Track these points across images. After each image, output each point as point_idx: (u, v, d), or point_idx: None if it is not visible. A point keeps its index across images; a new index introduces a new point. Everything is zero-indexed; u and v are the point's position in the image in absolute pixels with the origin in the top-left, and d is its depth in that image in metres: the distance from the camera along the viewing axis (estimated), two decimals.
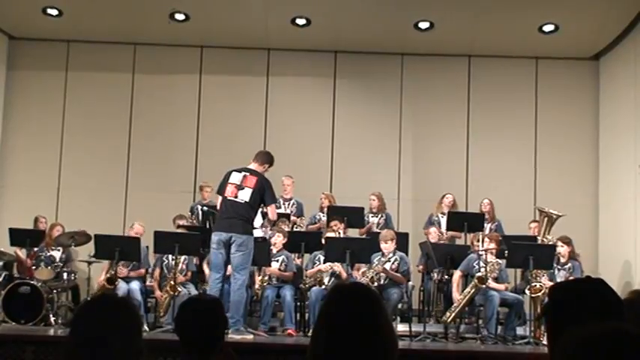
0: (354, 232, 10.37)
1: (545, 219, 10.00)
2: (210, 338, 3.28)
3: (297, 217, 10.69)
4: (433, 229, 10.29)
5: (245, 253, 7.68)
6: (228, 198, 7.74)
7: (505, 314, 9.08)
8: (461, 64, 12.42)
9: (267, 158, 8.09)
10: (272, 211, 7.97)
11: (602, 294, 2.07)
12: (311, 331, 7.51)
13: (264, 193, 7.78)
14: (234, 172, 7.88)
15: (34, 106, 12.27)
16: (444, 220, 10.60)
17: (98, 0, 11.23)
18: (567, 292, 2.13)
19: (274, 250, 9.12)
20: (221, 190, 7.88)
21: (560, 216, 9.95)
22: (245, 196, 7.72)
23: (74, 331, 2.43)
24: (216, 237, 7.73)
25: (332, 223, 9.65)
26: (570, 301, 2.06)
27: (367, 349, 2.05)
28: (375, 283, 8.88)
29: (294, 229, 10.32)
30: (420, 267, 10.12)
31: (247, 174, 7.83)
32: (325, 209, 10.50)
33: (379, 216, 10.72)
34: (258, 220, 8.70)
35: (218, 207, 8.01)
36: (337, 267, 9.07)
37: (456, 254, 9.36)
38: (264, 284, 8.92)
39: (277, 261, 9.13)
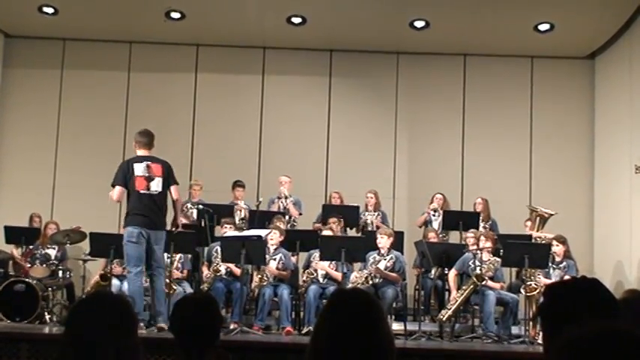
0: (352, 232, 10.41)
1: (538, 218, 10.04)
2: (205, 336, 3.28)
3: (299, 214, 10.75)
4: (432, 233, 10.31)
5: (162, 247, 7.77)
6: (141, 191, 7.58)
7: (500, 313, 9.09)
8: (456, 63, 12.43)
9: (151, 139, 7.84)
10: (176, 191, 7.82)
11: (597, 293, 2.07)
12: (306, 328, 7.51)
13: (169, 177, 7.74)
14: (135, 164, 7.65)
15: (29, 104, 12.24)
16: (435, 221, 10.64)
17: None
18: (562, 292, 2.13)
19: (271, 248, 9.12)
20: (125, 183, 7.60)
21: (551, 214, 9.99)
22: (157, 186, 7.64)
23: (69, 329, 2.43)
24: (137, 230, 7.53)
25: (330, 221, 9.65)
26: (565, 300, 2.07)
27: (366, 352, 2.10)
28: (370, 282, 8.88)
29: (293, 227, 10.37)
30: (416, 270, 10.02)
31: (150, 162, 7.66)
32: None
33: (375, 214, 10.75)
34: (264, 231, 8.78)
35: (115, 198, 7.67)
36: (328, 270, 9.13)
37: (452, 253, 9.38)
38: (263, 283, 8.90)
39: (275, 259, 9.12)
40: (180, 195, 7.94)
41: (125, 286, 9.10)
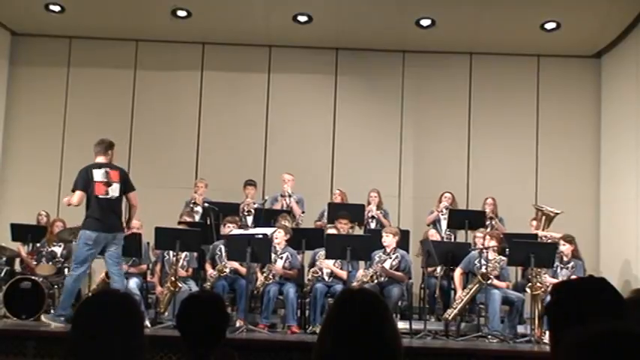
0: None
1: (543, 217, 10.02)
2: (211, 334, 3.28)
3: (301, 212, 10.77)
4: (433, 231, 10.33)
5: (120, 246, 8.06)
6: (100, 196, 7.87)
7: (506, 312, 9.07)
8: (462, 62, 12.42)
9: (107, 146, 8.15)
10: (134, 198, 8.11)
11: (605, 293, 2.07)
12: (311, 327, 7.51)
13: (126, 184, 8.03)
14: (94, 170, 7.95)
15: (36, 101, 12.27)
16: (444, 220, 10.62)
17: None
18: (570, 291, 2.12)
19: (278, 248, 9.12)
20: (85, 188, 7.87)
21: (557, 213, 9.97)
22: (115, 191, 7.93)
23: (76, 327, 2.43)
24: (94, 235, 7.81)
25: (342, 221, 9.62)
26: (573, 300, 2.06)
27: (373, 352, 2.11)
28: (376, 281, 8.88)
29: (298, 225, 10.38)
30: (428, 269, 10.00)
31: (108, 169, 7.98)
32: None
33: (378, 212, 10.77)
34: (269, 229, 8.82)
35: (75, 202, 7.90)
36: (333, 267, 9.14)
37: (457, 252, 9.36)
38: (268, 282, 8.91)
39: (282, 258, 9.12)
40: (137, 201, 8.17)
41: (131, 284, 9.14)
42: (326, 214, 10.60)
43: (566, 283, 2.40)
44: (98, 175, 7.91)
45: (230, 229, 9.44)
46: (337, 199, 10.79)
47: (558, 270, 9.10)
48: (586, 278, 2.26)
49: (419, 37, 11.90)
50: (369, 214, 10.72)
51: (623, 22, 11.22)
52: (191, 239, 8.89)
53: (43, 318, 7.92)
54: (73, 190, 7.94)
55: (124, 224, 8.19)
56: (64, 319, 7.73)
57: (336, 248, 8.75)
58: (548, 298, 2.24)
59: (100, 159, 8.04)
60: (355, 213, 10.25)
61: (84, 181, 7.90)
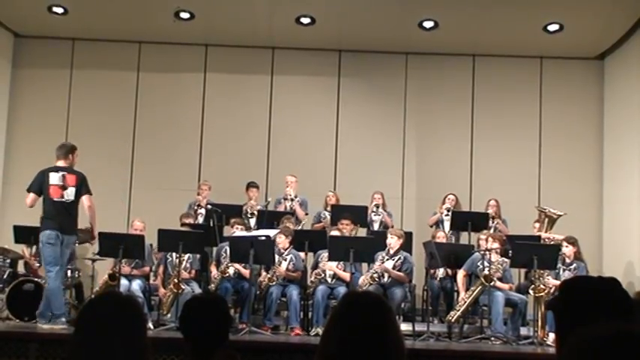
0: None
1: (546, 219, 10.01)
2: (214, 336, 3.27)
3: (305, 214, 10.77)
4: (440, 233, 10.32)
5: (70, 250, 8.25)
6: (55, 199, 8.00)
7: (509, 314, 9.06)
8: (465, 64, 12.41)
9: (68, 150, 8.29)
10: (88, 200, 8.13)
11: (614, 293, 2.05)
12: (314, 329, 7.50)
13: (82, 187, 8.11)
14: (51, 173, 8.07)
15: (39, 103, 12.28)
16: (447, 222, 10.61)
17: None
18: (579, 290, 2.11)
19: (282, 250, 9.11)
20: (40, 191, 8.03)
21: (560, 215, 9.96)
22: (70, 195, 8.05)
23: (78, 329, 2.43)
24: (54, 233, 7.92)
25: (345, 222, 9.62)
26: (581, 299, 2.05)
27: (377, 354, 2.12)
28: (377, 280, 8.87)
29: (300, 227, 10.39)
30: (432, 271, 9.98)
31: (65, 173, 8.10)
32: (330, 207, 10.54)
33: (383, 213, 10.76)
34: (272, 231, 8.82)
35: (27, 203, 8.07)
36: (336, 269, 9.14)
37: (460, 253, 9.35)
38: (271, 283, 8.91)
39: (286, 260, 9.12)
40: (92, 203, 8.19)
41: (134, 286, 9.14)
42: (323, 216, 10.63)
43: (575, 282, 2.37)
44: (54, 178, 8.04)
45: (237, 230, 9.45)
46: (332, 201, 10.77)
47: (561, 272, 9.09)
48: (596, 278, 2.23)
49: (422, 39, 11.89)
50: (372, 209, 10.68)
51: (626, 23, 11.20)
52: (194, 241, 8.89)
53: (44, 326, 7.91)
54: (28, 191, 8.09)
55: (90, 233, 8.30)
56: (64, 320, 7.73)
57: (339, 250, 8.74)
58: None
59: (60, 163, 8.16)
60: (358, 214, 10.25)
61: (39, 184, 8.06)
